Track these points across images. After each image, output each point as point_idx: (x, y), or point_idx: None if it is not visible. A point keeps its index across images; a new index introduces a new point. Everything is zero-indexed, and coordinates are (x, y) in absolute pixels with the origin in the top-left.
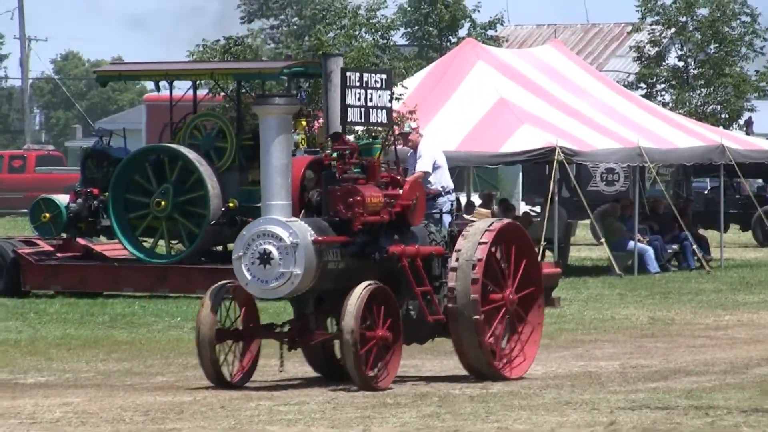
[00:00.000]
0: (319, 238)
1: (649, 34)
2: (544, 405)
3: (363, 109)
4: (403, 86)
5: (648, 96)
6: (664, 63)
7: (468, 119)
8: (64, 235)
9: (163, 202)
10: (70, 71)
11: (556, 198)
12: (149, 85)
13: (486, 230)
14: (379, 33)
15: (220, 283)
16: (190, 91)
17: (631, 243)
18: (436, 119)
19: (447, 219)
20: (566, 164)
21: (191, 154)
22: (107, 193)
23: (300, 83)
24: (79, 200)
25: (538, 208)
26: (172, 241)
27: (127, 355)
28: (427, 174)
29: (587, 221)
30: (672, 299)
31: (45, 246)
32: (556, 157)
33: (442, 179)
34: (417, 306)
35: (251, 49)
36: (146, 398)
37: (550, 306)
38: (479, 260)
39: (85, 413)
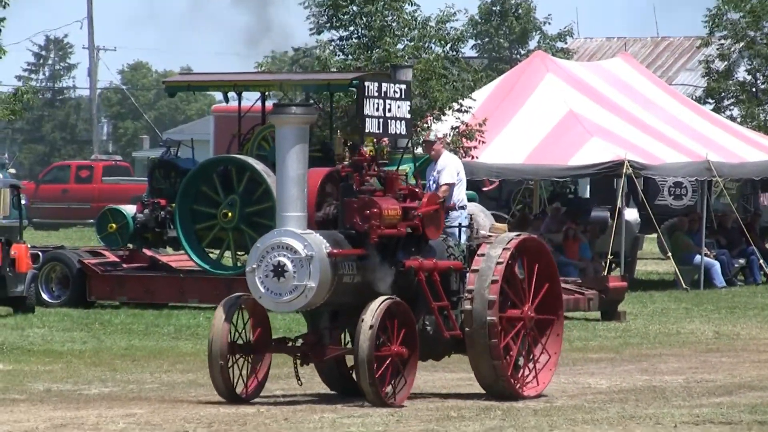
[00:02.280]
0: (335, 251)
1: (717, 48)
2: (608, 419)
3: (381, 120)
4: (471, 98)
5: (716, 110)
6: (732, 77)
7: (537, 132)
8: (130, 246)
9: (230, 214)
10: (138, 81)
11: (624, 212)
12: (218, 95)
13: (503, 249)
14: (449, 45)
15: (233, 295)
16: (259, 102)
17: (698, 257)
18: (505, 132)
19: (465, 233)
20: (635, 178)
21: (259, 165)
22: (174, 204)
23: None
24: (146, 211)
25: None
26: (239, 253)
27: (192, 367)
28: (451, 186)
29: (654, 235)
30: (738, 314)
31: (111, 257)
32: (624, 171)
33: (460, 194)
34: (434, 321)
35: (319, 60)
36: (210, 410)
37: (615, 320)
38: (494, 282)
39: (148, 424)
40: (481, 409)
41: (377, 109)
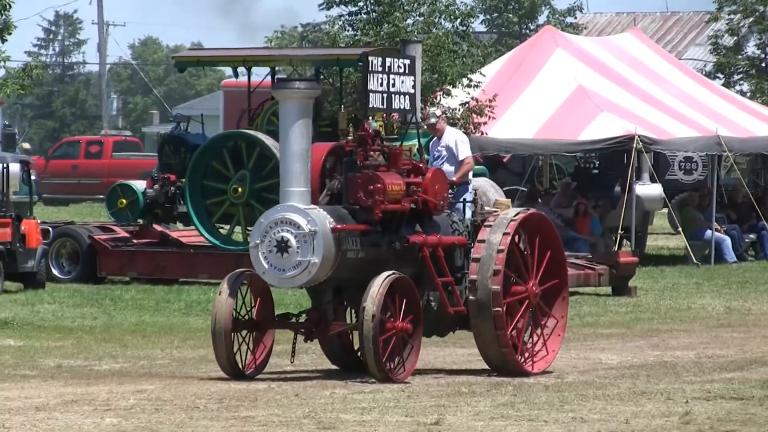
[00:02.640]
0: (338, 226)
1: (726, 23)
2: (619, 395)
3: (385, 95)
4: (481, 74)
5: (726, 85)
6: (742, 52)
7: (546, 107)
8: (140, 222)
9: (240, 189)
10: (149, 57)
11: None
12: (227, 71)
13: (511, 220)
14: (458, 20)
15: (237, 271)
16: (268, 78)
17: (709, 232)
18: (515, 107)
19: (469, 209)
20: (644, 152)
21: (269, 141)
22: (184, 180)
23: None
24: (156, 186)
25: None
26: (249, 228)
27: (202, 343)
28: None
29: (665, 210)
30: (749, 289)
31: (121, 232)
32: (634, 146)
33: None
34: (438, 297)
35: (329, 35)
36: (221, 386)
37: (626, 295)
38: (501, 251)
39: (159, 400)
40: (492, 384)
41: (381, 84)
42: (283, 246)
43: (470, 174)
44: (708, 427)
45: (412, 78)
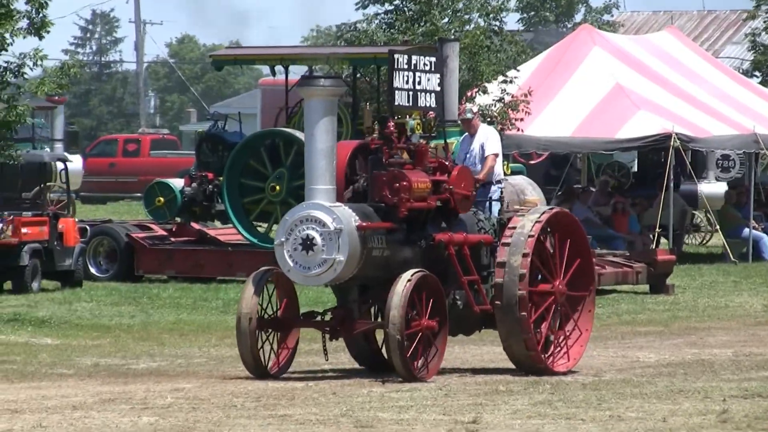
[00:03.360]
0: (364, 224)
1: (764, 21)
2: (656, 393)
3: (411, 93)
4: (517, 70)
5: (763, 83)
6: None
7: (584, 105)
8: (178, 220)
9: (277, 187)
10: (186, 55)
11: (672, 185)
12: (265, 69)
13: (536, 222)
14: (491, 15)
15: (262, 269)
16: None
17: (746, 230)
18: (552, 105)
19: (496, 207)
20: (682, 150)
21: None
22: (222, 178)
23: None
24: (194, 184)
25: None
26: None
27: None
28: (497, 157)
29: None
30: None
31: (159, 230)
32: (672, 143)
33: (497, 168)
34: (464, 296)
35: (365, 34)
36: (258, 384)
37: (664, 293)
38: (525, 255)
39: (196, 399)
40: (529, 383)
41: (407, 82)
42: (308, 244)
43: (500, 173)
44: (745, 425)
45: (438, 75)
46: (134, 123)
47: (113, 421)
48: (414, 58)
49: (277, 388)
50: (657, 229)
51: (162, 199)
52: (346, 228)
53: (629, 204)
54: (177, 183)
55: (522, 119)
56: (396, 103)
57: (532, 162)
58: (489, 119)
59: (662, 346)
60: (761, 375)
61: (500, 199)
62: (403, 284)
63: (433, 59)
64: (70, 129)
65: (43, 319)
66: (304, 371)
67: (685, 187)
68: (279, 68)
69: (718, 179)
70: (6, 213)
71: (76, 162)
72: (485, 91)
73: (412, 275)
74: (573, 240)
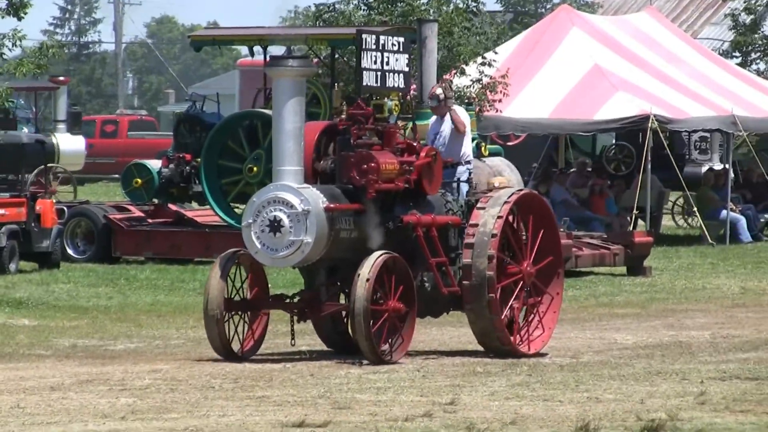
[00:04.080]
0: (331, 206)
1: (744, 2)
2: (634, 375)
3: (379, 73)
4: (494, 51)
5: (742, 64)
6: (759, 31)
7: (562, 86)
8: (155, 201)
9: (255, 168)
10: (164, 35)
11: (649, 166)
12: (243, 50)
13: (504, 202)
14: None
15: (229, 251)
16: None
17: (724, 212)
18: (530, 86)
19: (464, 188)
20: (660, 132)
21: None
22: (199, 159)
23: None
24: (172, 166)
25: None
26: None
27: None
28: (456, 142)
29: (679, 191)
30: (764, 269)
31: (136, 212)
32: (650, 125)
33: (467, 148)
34: (432, 278)
35: (343, 15)
36: (236, 366)
37: (641, 275)
38: (494, 236)
39: (174, 380)
40: (507, 365)
41: (375, 63)
42: (275, 225)
43: (469, 154)
44: (723, 407)
45: (407, 56)
46: (112, 104)
47: (91, 402)
48: (382, 38)
49: (254, 370)
50: (634, 211)
51: (139, 180)
52: (314, 209)
53: (607, 186)
54: (155, 164)
55: (500, 100)
56: (364, 84)
57: (510, 143)
58: (467, 100)
59: (640, 328)
60: (739, 357)
61: (468, 181)
62: (368, 266)
63: (402, 39)
64: (72, 110)
65: (21, 301)
66: (282, 353)
67: (689, 169)
68: (257, 49)
69: (695, 161)
70: None
71: (78, 143)
72: (463, 73)
73: (378, 257)
74: (542, 222)
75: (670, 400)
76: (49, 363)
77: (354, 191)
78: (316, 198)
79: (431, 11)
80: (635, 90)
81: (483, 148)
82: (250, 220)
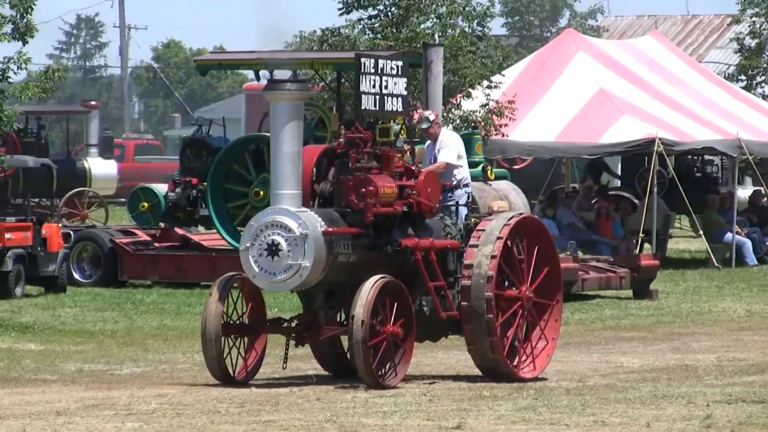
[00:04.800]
0: (330, 229)
1: (749, 26)
2: (640, 398)
3: (378, 97)
4: (501, 74)
5: (747, 88)
6: (764, 54)
7: (567, 110)
8: (162, 225)
9: (261, 192)
10: (170, 59)
11: (656, 190)
12: (249, 74)
13: (504, 225)
14: (475, 21)
15: (227, 274)
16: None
17: (729, 235)
18: (536, 109)
19: (463, 212)
20: (665, 155)
21: None
22: (206, 183)
23: None
24: (178, 189)
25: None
26: None
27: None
28: (450, 166)
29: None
30: None
31: (143, 235)
32: (655, 148)
33: (464, 172)
34: (430, 301)
35: (348, 39)
36: (242, 390)
37: (647, 298)
38: (494, 257)
39: (180, 405)
40: (513, 389)
41: (374, 86)
42: (273, 249)
43: (467, 177)
44: (729, 430)
45: (405, 80)
46: (118, 128)
47: (97, 427)
48: (381, 62)
49: (261, 394)
50: (641, 234)
51: (146, 204)
52: (312, 233)
53: (613, 209)
54: (161, 188)
55: (506, 125)
56: (363, 107)
57: (516, 167)
58: (473, 124)
59: (646, 352)
60: (744, 380)
61: (467, 204)
62: (366, 290)
63: (400, 63)
64: (105, 134)
65: (27, 325)
66: (288, 377)
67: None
68: (264, 73)
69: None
70: None
71: (110, 167)
72: (469, 96)
73: (376, 281)
74: (541, 247)
75: (676, 424)
76: (55, 387)
77: (352, 215)
78: (314, 221)
79: (436, 35)
80: (640, 113)
81: (489, 172)
82: (248, 244)
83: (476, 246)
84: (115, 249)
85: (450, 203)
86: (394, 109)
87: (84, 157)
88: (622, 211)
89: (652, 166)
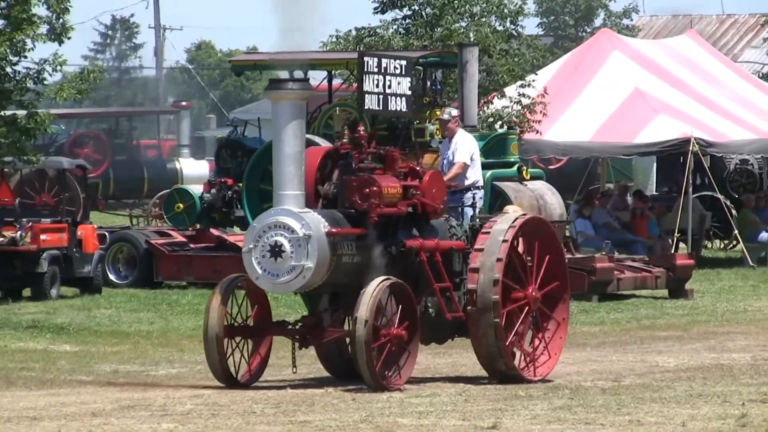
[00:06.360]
0: (333, 230)
1: None
2: (676, 398)
3: (381, 96)
4: (535, 74)
5: None
6: None
7: (603, 110)
8: (197, 226)
9: None
10: (203, 60)
11: (691, 189)
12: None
13: (509, 227)
14: (508, 19)
15: (230, 276)
16: (325, 81)
17: (765, 234)
18: (571, 109)
19: (469, 213)
20: (701, 155)
21: (326, 144)
22: (241, 184)
23: (434, 73)
24: (213, 190)
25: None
26: None
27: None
28: (465, 166)
29: None
30: None
31: (178, 237)
32: (691, 148)
33: (476, 174)
34: (435, 303)
35: (383, 39)
36: (278, 391)
37: (683, 298)
38: (499, 260)
39: (216, 405)
40: (548, 388)
41: (377, 86)
42: (276, 250)
43: (478, 180)
44: (764, 429)
45: (409, 79)
46: (152, 129)
47: (132, 428)
48: (384, 61)
49: (296, 395)
50: (676, 234)
51: (181, 205)
52: (315, 234)
53: (648, 208)
54: (196, 189)
55: (539, 121)
56: (366, 107)
57: (551, 167)
58: (509, 125)
59: (681, 351)
60: None
61: (473, 206)
62: (371, 292)
63: (404, 63)
64: (197, 134)
65: (62, 326)
66: (320, 377)
67: None
68: (298, 73)
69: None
70: (25, 220)
71: (201, 167)
72: (504, 95)
73: (380, 283)
74: (547, 248)
75: (711, 423)
76: (90, 389)
77: (356, 215)
78: (317, 222)
79: (471, 35)
80: (676, 113)
81: (524, 172)
82: (251, 246)
83: (482, 249)
84: (151, 250)
85: (458, 204)
86: (398, 108)
87: (176, 158)
88: (657, 211)
89: (688, 166)
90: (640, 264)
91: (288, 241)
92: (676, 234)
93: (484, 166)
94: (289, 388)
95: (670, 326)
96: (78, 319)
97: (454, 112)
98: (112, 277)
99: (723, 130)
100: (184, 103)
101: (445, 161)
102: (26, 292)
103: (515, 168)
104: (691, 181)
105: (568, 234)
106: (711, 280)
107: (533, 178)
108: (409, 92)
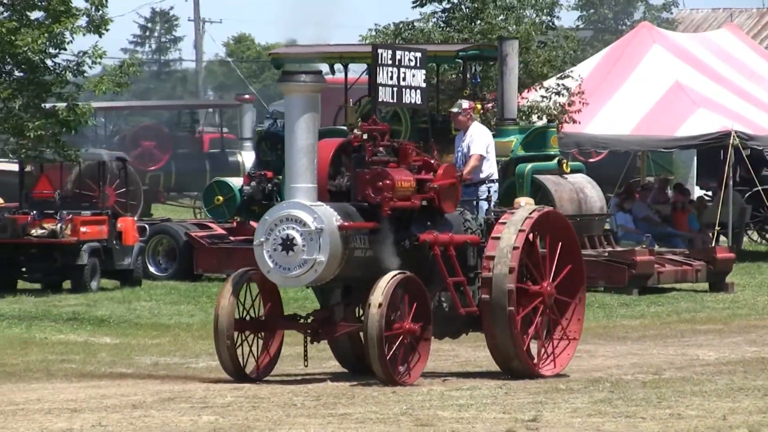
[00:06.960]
0: (346, 224)
1: None
2: (716, 391)
3: (395, 89)
4: (572, 64)
5: None
6: None
7: (643, 103)
8: (237, 218)
9: None
10: (242, 53)
11: (731, 182)
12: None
13: (526, 218)
14: (545, 11)
15: (241, 269)
16: (365, 74)
17: None
18: (611, 102)
19: (484, 207)
20: (741, 149)
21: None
22: (281, 176)
23: (474, 66)
24: (253, 183)
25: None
26: None
27: (299, 339)
28: (482, 158)
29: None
30: None
31: (218, 229)
32: (731, 142)
33: (491, 167)
34: (449, 298)
35: (422, 32)
36: (318, 383)
37: (723, 291)
38: (516, 248)
39: (256, 398)
40: (589, 381)
41: (391, 78)
42: (288, 244)
43: (493, 173)
44: None
45: (424, 71)
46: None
47: (173, 420)
48: (399, 53)
49: (336, 387)
50: (716, 227)
51: (221, 197)
52: (327, 228)
53: (688, 202)
54: (236, 182)
55: (579, 111)
56: (380, 100)
57: (591, 160)
58: (548, 118)
59: (722, 344)
60: None
61: (488, 199)
62: (383, 285)
63: (419, 55)
64: (258, 128)
65: (102, 318)
66: (333, 372)
67: None
68: (338, 66)
69: None
70: (65, 212)
71: None
72: (542, 87)
73: (393, 276)
74: (564, 242)
75: (752, 416)
76: (130, 381)
77: (369, 209)
78: (329, 216)
79: (510, 28)
80: (716, 107)
81: (565, 165)
82: (262, 239)
83: (498, 238)
84: (191, 243)
85: (472, 198)
86: (412, 101)
87: (238, 151)
88: (698, 204)
89: (728, 159)
90: (680, 257)
91: (300, 234)
92: (716, 227)
93: (525, 160)
94: (329, 380)
95: (711, 320)
96: (118, 311)
97: (465, 105)
98: (152, 269)
99: (763, 124)
100: (247, 96)
101: (459, 154)
102: (66, 284)
103: (555, 161)
104: (731, 175)
105: (608, 227)
106: (752, 274)
107: (573, 171)
108: (423, 84)
